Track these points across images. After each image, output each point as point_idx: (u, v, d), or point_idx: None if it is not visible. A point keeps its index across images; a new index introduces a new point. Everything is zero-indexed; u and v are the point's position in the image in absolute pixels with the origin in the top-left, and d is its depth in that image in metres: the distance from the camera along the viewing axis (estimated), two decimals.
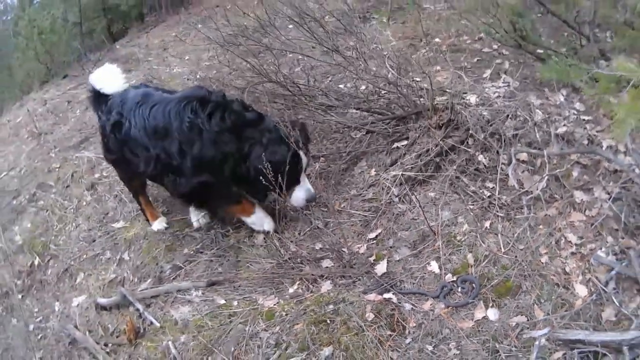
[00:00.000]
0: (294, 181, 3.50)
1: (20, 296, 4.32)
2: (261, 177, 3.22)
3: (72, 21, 10.55)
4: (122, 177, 4.24)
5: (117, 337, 3.48)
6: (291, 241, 3.64)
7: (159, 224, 4.18)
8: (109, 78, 4.04)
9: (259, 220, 3.73)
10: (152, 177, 3.87)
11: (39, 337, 3.87)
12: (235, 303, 3.27)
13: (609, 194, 3.29)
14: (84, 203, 4.87)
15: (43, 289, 4.28)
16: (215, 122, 3.41)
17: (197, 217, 4.03)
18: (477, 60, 4.79)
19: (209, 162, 3.44)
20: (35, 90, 8.66)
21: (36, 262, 4.50)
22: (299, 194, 3.56)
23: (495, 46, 4.90)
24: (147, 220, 4.23)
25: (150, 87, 4.06)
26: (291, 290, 3.27)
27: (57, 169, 5.55)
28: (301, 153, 3.45)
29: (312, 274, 3.31)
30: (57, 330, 3.78)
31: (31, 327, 3.97)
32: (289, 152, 3.37)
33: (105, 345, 3.44)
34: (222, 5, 9.40)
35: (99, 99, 4.03)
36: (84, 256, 4.28)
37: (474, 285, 2.99)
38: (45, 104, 7.62)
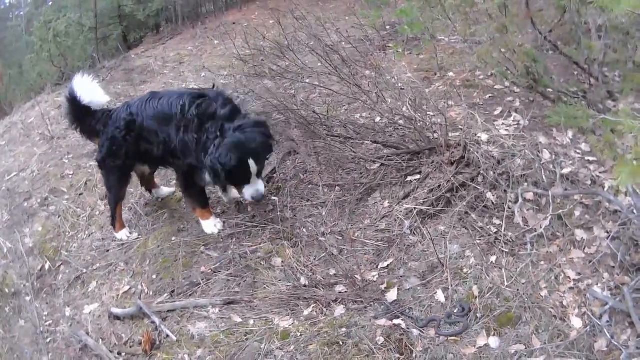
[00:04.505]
0: (244, 181, 3.98)
1: (29, 298, 4.50)
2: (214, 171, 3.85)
3: (88, 26, 10.75)
4: (115, 183, 4.60)
5: (130, 347, 3.69)
6: (306, 266, 3.91)
7: (123, 234, 4.68)
8: (90, 89, 4.51)
9: (211, 224, 4.42)
10: (161, 159, 4.41)
11: (48, 340, 4.07)
12: (252, 322, 3.54)
13: (608, 232, 3.61)
14: (98, 212, 5.07)
15: (53, 293, 4.45)
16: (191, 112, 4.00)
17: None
18: (490, 97, 5.10)
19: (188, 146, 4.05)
20: (47, 92, 8.67)
21: (47, 267, 4.67)
22: (246, 191, 4.01)
23: (507, 84, 5.22)
24: (114, 227, 4.69)
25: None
26: (306, 313, 3.54)
27: (70, 176, 5.70)
28: (250, 161, 3.85)
29: (326, 298, 3.59)
30: (68, 335, 4.00)
31: (40, 329, 4.18)
32: (236, 159, 3.80)
33: (119, 354, 3.66)
34: (238, 22, 9.80)
35: (79, 109, 4.50)
36: (97, 265, 4.46)
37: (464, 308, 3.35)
38: (58, 107, 7.55)
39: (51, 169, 5.94)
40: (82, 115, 4.52)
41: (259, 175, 4.01)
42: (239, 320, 3.60)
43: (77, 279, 4.46)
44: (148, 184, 4.98)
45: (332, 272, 3.88)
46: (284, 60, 5.92)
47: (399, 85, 5.36)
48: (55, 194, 5.52)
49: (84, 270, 4.49)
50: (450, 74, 5.68)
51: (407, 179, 4.33)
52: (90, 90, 4.48)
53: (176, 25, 11.41)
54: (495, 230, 3.77)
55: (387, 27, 7.26)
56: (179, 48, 9.70)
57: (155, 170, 4.86)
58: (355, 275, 3.74)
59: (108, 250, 4.61)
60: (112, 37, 11.56)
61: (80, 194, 5.41)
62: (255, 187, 3.99)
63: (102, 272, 4.41)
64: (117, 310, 3.96)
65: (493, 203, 3.92)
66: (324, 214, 4.34)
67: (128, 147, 4.33)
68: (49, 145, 6.50)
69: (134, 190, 5.14)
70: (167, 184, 5.14)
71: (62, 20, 10.31)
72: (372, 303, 3.56)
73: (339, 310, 3.53)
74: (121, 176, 4.56)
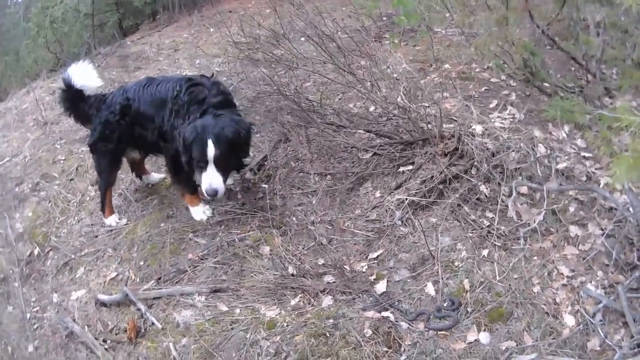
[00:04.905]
0: (200, 163, 3.82)
1: (17, 284, 4.43)
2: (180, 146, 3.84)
3: (84, 12, 10.60)
4: (105, 167, 4.53)
5: (116, 334, 3.64)
6: (295, 255, 3.81)
7: (112, 220, 4.60)
8: (87, 75, 4.48)
9: (200, 210, 4.31)
10: (154, 145, 4.35)
11: (35, 326, 4.03)
12: (238, 311, 3.45)
13: (602, 230, 3.51)
14: (88, 198, 4.99)
15: (41, 279, 4.39)
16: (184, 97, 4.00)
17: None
18: (485, 89, 4.98)
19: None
20: (42, 78, 8.54)
21: (36, 252, 4.60)
22: (202, 181, 3.86)
23: (503, 77, 5.11)
24: (103, 212, 4.61)
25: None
26: (293, 303, 3.44)
27: (62, 161, 5.64)
28: (209, 142, 3.70)
29: (314, 288, 3.49)
30: (54, 322, 3.95)
31: (28, 316, 4.14)
32: (195, 134, 3.74)
33: (104, 341, 3.60)
34: (235, 10, 9.65)
35: (73, 95, 4.48)
36: (85, 251, 4.39)
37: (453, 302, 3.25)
38: (53, 93, 7.48)
39: (43, 154, 5.89)
40: (75, 101, 4.47)
41: (218, 165, 3.81)
42: (225, 308, 3.52)
43: (65, 265, 4.40)
44: (138, 169, 4.90)
45: (321, 261, 3.77)
46: (279, 48, 5.81)
47: (394, 75, 5.23)
48: (47, 179, 5.45)
49: (72, 256, 4.41)
50: (446, 65, 5.55)
51: (400, 170, 4.21)
52: (84, 73, 4.44)
53: (173, 13, 11.20)
54: (488, 223, 3.67)
55: (384, 19, 7.12)
56: (174, 35, 9.52)
57: (146, 156, 4.77)
58: (344, 266, 3.63)
59: (97, 236, 4.54)
60: (108, 24, 11.33)
61: (71, 179, 5.34)
62: (210, 180, 3.81)
63: (90, 257, 4.34)
64: (103, 297, 3.89)
65: (486, 196, 3.80)
66: (314, 202, 4.23)
67: (121, 131, 4.28)
68: (42, 131, 6.45)
69: (125, 176, 5.07)
70: (158, 170, 5.06)
71: (59, 7, 10.16)
72: (360, 294, 3.46)
73: (327, 300, 3.43)
74: (112, 160, 4.49)
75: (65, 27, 10.06)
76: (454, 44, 6.00)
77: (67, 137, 6.10)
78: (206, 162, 3.78)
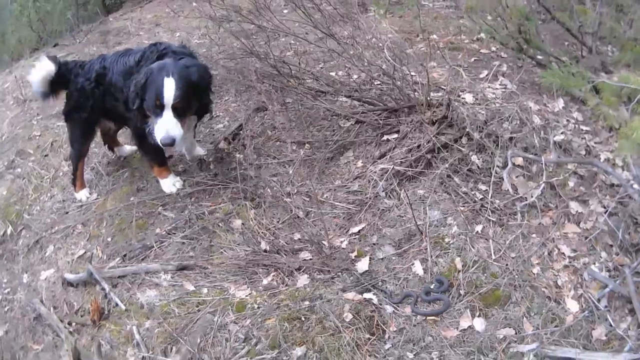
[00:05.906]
0: (155, 107, 3.29)
1: None
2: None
3: None
4: (78, 137, 4.21)
5: (81, 316, 3.36)
6: (268, 229, 3.44)
7: (83, 194, 4.31)
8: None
9: (170, 182, 3.94)
10: (125, 117, 3.94)
11: (6, 309, 3.72)
12: (205, 291, 3.15)
13: (605, 207, 3.20)
14: (61, 173, 4.71)
15: (13, 259, 4.09)
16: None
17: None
18: (475, 60, 4.65)
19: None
20: (25, 58, 8.28)
21: (9, 231, 4.30)
22: (157, 129, 3.31)
23: (494, 48, 4.78)
24: (74, 186, 4.33)
25: None
26: (265, 282, 3.10)
27: (37, 137, 5.37)
28: (169, 80, 3.20)
29: (289, 266, 3.14)
30: (24, 304, 3.66)
31: None
32: (151, 74, 3.29)
33: (69, 324, 3.33)
34: None
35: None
36: (56, 228, 4.08)
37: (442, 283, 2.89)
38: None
39: (20, 131, 5.59)
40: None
41: (176, 111, 3.28)
42: (191, 288, 3.19)
43: (36, 243, 4.08)
44: (111, 142, 4.56)
45: (297, 236, 3.41)
46: (260, 19, 5.43)
47: (379, 44, 4.83)
48: (22, 155, 5.14)
49: (43, 234, 4.09)
50: (434, 36, 5.19)
51: (384, 138, 3.82)
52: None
53: None
54: (481, 196, 3.29)
55: None
56: (156, 10, 9.23)
57: (120, 128, 4.43)
58: (322, 241, 3.25)
59: (67, 212, 4.21)
60: (91, 2, 11.25)
61: (46, 155, 5.05)
62: (166, 127, 3.24)
63: (60, 235, 4.00)
64: (70, 276, 3.58)
65: (478, 167, 3.44)
66: (290, 172, 3.84)
67: (95, 100, 3.96)
68: (21, 108, 6.15)
69: (97, 149, 4.78)
70: (131, 142, 4.69)
71: None
72: (340, 273, 3.10)
73: (303, 280, 3.08)
74: (85, 130, 4.17)
75: (48, 5, 9.70)
76: (441, 16, 5.68)
77: (43, 113, 5.82)
78: (162, 107, 3.25)
